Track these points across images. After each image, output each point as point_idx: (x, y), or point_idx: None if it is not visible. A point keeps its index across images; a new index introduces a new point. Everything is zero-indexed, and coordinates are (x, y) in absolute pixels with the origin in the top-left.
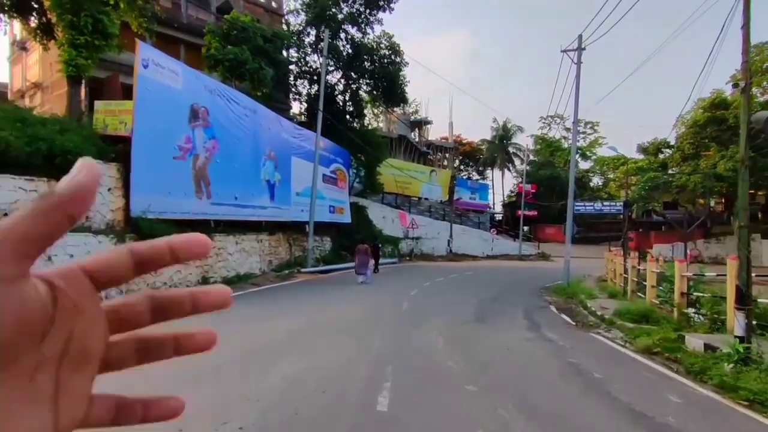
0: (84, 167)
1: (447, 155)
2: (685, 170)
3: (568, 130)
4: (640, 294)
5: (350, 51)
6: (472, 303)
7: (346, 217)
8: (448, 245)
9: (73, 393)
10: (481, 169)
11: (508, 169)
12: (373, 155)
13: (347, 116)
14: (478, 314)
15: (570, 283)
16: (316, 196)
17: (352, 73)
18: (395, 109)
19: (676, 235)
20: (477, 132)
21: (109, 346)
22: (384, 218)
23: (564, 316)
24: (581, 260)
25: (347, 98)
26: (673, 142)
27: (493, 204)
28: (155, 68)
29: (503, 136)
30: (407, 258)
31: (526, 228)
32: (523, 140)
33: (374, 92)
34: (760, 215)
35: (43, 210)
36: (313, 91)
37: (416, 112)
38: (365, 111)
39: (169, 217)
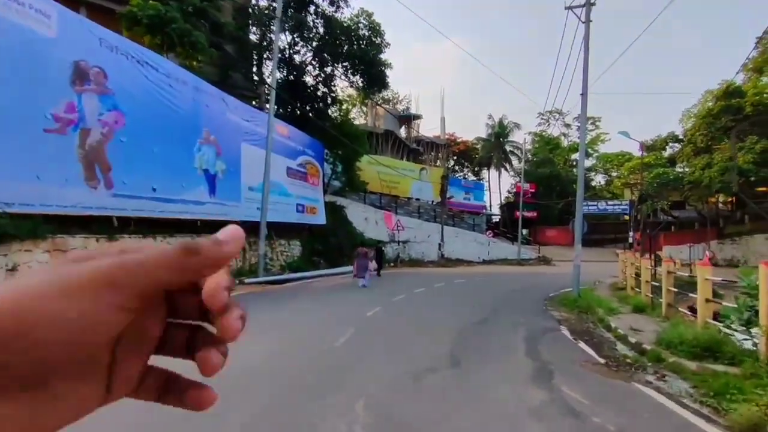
0: (234, 236)
1: (439, 153)
2: (698, 164)
3: (567, 126)
4: (683, 311)
5: (322, 30)
6: (453, 327)
7: (320, 218)
8: (439, 249)
9: (127, 369)
10: (476, 169)
11: (505, 169)
12: (351, 149)
13: (320, 104)
14: (455, 350)
15: (580, 293)
16: (269, 190)
17: (326, 55)
18: (380, 99)
19: (687, 236)
20: (473, 133)
21: (165, 328)
22: (366, 220)
23: (584, 347)
24: (587, 264)
25: (320, 83)
26: (680, 137)
27: (490, 205)
28: (10, 4)
29: (499, 133)
30: (392, 264)
31: (525, 231)
32: (521, 138)
33: (352, 76)
34: None
35: (184, 266)
36: (282, 77)
37: (407, 109)
38: (344, 100)
39: (37, 210)
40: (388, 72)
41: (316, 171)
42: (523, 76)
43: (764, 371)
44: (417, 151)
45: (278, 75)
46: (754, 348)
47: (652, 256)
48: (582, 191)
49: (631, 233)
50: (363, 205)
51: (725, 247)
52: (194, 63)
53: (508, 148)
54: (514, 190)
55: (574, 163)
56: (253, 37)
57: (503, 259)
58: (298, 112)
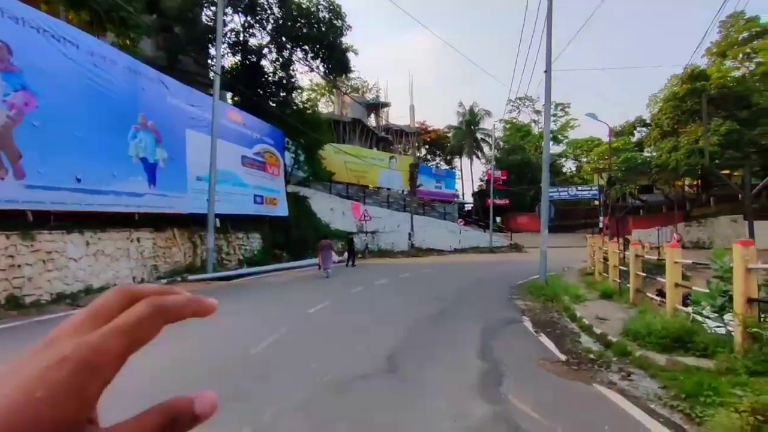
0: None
1: (409, 142)
2: (665, 148)
3: (537, 113)
4: (651, 296)
5: (277, 11)
6: (404, 323)
7: (281, 209)
8: (409, 239)
9: None
10: (449, 157)
11: (477, 157)
12: (313, 137)
13: (280, 90)
14: (398, 351)
15: (548, 280)
16: (216, 179)
17: (284, 38)
18: (348, 88)
19: (655, 220)
20: (446, 122)
21: None
22: (332, 210)
23: (545, 341)
24: (557, 250)
25: (279, 68)
26: (648, 121)
27: (463, 194)
28: None
29: (470, 121)
30: (359, 255)
31: (498, 218)
32: (491, 125)
33: (312, 60)
34: (739, 196)
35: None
36: (232, 60)
37: (377, 98)
38: (312, 89)
39: None
40: (353, 57)
41: (276, 160)
42: (495, 64)
43: (740, 364)
44: (386, 139)
45: (233, 59)
46: (729, 337)
47: (620, 240)
48: (547, 174)
49: (601, 218)
50: (329, 196)
51: (692, 229)
52: (128, 42)
53: (479, 135)
54: (486, 178)
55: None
56: (206, 20)
57: (475, 248)
58: (255, 98)
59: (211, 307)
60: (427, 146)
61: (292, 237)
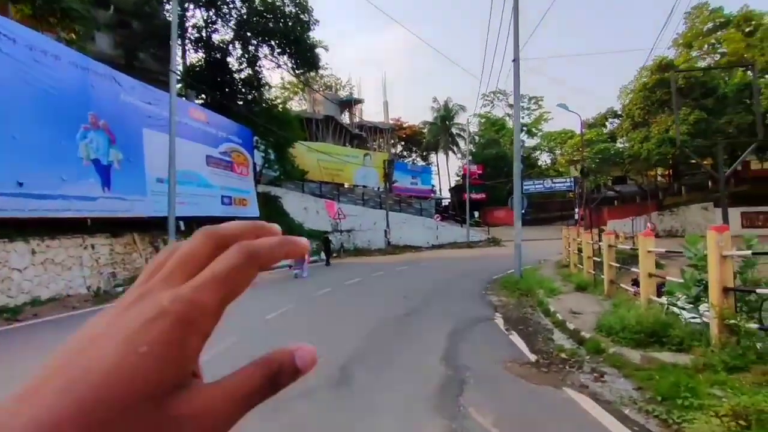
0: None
1: (383, 138)
2: (637, 138)
3: (510, 106)
4: (625, 287)
5: (242, 8)
6: (368, 325)
7: (252, 210)
8: (386, 236)
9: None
10: (425, 153)
11: (453, 152)
12: (282, 135)
13: (247, 87)
14: (356, 358)
15: (523, 274)
16: (176, 180)
17: (249, 34)
18: (322, 86)
19: (630, 210)
20: (423, 118)
21: None
22: (306, 210)
23: (516, 339)
24: (534, 243)
25: (245, 65)
26: (619, 113)
27: (440, 189)
28: None
29: (445, 116)
30: (334, 255)
31: (476, 213)
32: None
33: (279, 56)
34: (710, 183)
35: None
36: (195, 57)
37: (351, 95)
38: (285, 87)
39: None
40: (325, 54)
41: (245, 160)
42: (471, 58)
43: (717, 359)
44: (360, 136)
45: (195, 56)
46: (705, 328)
47: (593, 231)
48: (519, 165)
49: (576, 209)
50: (301, 195)
51: (665, 218)
52: (73, 36)
53: (454, 130)
54: (462, 172)
55: (522, 143)
56: (168, 15)
57: (453, 243)
58: (221, 96)
59: (305, 246)
60: (403, 143)
61: None
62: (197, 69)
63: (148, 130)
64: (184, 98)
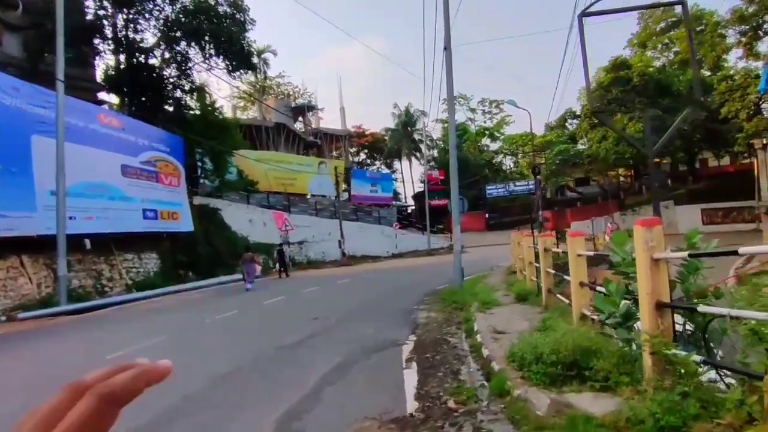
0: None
1: (343, 145)
2: (595, 138)
3: (473, 110)
4: (561, 297)
5: (170, 9)
6: (236, 361)
7: (185, 224)
8: (340, 247)
9: None
10: (388, 160)
11: (416, 158)
12: (217, 143)
13: (176, 92)
14: (177, 415)
15: (463, 284)
16: (65, 192)
17: (178, 34)
18: (281, 94)
19: (592, 211)
20: (383, 125)
21: None
22: (251, 222)
23: (409, 377)
24: (494, 249)
25: (173, 68)
26: (578, 113)
27: (405, 197)
28: None
29: (407, 122)
30: (281, 269)
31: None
32: (429, 125)
33: (213, 58)
34: (669, 182)
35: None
36: (121, 60)
37: (309, 103)
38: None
39: None
40: (273, 58)
41: (174, 170)
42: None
43: (646, 411)
44: (315, 144)
45: (116, 58)
46: (639, 355)
47: (556, 233)
48: (455, 161)
49: (540, 212)
50: (246, 206)
51: (627, 217)
52: None
53: (416, 136)
54: (424, 178)
55: (485, 148)
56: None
57: (413, 251)
58: (145, 101)
59: (165, 370)
60: (366, 150)
61: (198, 254)
62: (118, 72)
63: (40, 137)
64: (105, 105)
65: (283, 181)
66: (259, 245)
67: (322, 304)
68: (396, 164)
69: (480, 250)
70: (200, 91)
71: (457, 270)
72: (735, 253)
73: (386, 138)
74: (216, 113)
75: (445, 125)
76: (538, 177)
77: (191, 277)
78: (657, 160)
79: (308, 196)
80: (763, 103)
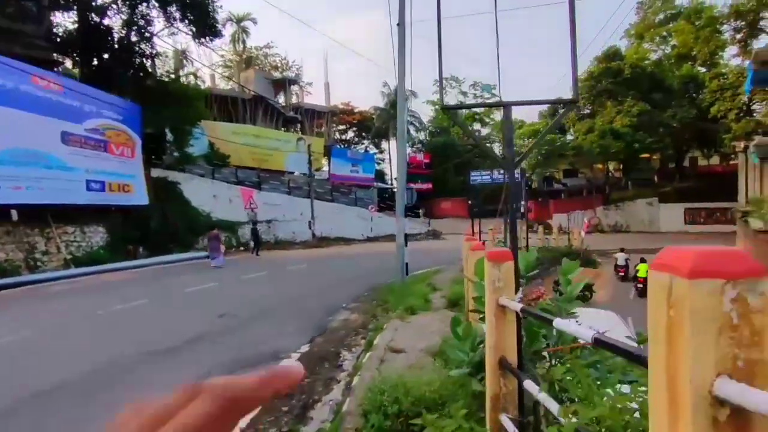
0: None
1: (324, 122)
2: (581, 129)
3: (464, 94)
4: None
5: None
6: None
7: (138, 197)
8: (310, 228)
9: None
10: (376, 140)
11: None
12: (182, 114)
13: (135, 57)
14: None
15: (407, 280)
16: None
17: None
18: (268, 65)
19: (577, 204)
20: (373, 103)
21: None
22: (215, 197)
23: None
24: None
25: (133, 31)
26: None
27: (391, 179)
28: None
29: (396, 102)
30: (241, 248)
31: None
32: (416, 107)
33: (174, 22)
34: (656, 179)
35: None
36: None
37: (298, 76)
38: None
39: None
40: (254, 28)
41: (128, 140)
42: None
43: None
44: (295, 119)
45: (68, 17)
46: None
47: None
48: (404, 147)
49: (523, 202)
50: (211, 181)
51: (610, 213)
52: None
53: (406, 117)
54: (408, 161)
55: (476, 133)
56: None
57: (389, 236)
58: (100, 65)
59: (297, 375)
60: (354, 129)
61: (153, 230)
62: (70, 32)
63: None
64: (60, 68)
65: (258, 156)
66: (222, 222)
67: (247, 295)
68: (384, 144)
69: (457, 238)
70: (159, 56)
71: (401, 264)
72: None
73: (374, 117)
74: (178, 82)
75: (436, 107)
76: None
77: (142, 254)
78: (646, 155)
79: (284, 174)
80: (754, 104)
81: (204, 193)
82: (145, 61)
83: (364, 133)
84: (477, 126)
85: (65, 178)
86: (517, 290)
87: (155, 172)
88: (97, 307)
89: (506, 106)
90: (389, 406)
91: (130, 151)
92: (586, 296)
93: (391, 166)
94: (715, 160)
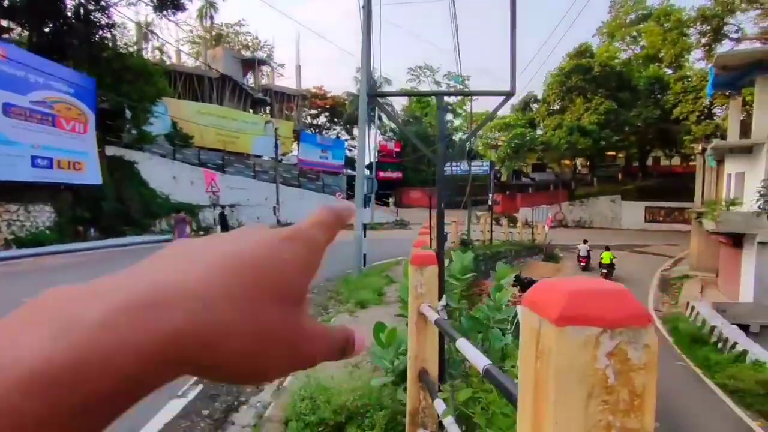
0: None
1: (294, 106)
2: (550, 125)
3: (437, 84)
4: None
5: None
6: None
7: (90, 176)
8: (275, 214)
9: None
10: (348, 126)
11: (376, 126)
12: (140, 88)
13: (91, 28)
14: None
15: (364, 271)
16: None
17: None
18: (239, 44)
19: (543, 198)
20: (347, 89)
21: None
22: (175, 179)
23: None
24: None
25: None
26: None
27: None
28: None
29: (371, 89)
30: (201, 233)
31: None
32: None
33: None
34: (620, 176)
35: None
36: None
37: (270, 57)
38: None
39: None
40: (221, 2)
41: (79, 114)
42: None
43: None
44: (264, 101)
45: None
46: None
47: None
48: (365, 134)
49: (490, 195)
50: (171, 162)
51: (575, 208)
52: None
53: (366, 105)
54: (379, 149)
55: (449, 123)
56: None
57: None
58: (48, 33)
59: (350, 210)
60: (326, 114)
61: (101, 210)
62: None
63: None
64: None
65: (224, 137)
66: (182, 205)
67: None
68: (356, 131)
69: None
70: (114, 27)
71: (358, 256)
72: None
73: (347, 103)
74: (138, 56)
75: (411, 97)
76: (492, 163)
77: (93, 236)
78: (612, 153)
79: (250, 157)
80: (714, 107)
81: (164, 174)
82: (102, 32)
83: (336, 119)
84: (449, 117)
85: (6, 153)
86: (440, 297)
87: (111, 150)
88: (29, 293)
89: (438, 96)
90: (309, 415)
91: (82, 127)
92: None
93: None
94: (676, 160)
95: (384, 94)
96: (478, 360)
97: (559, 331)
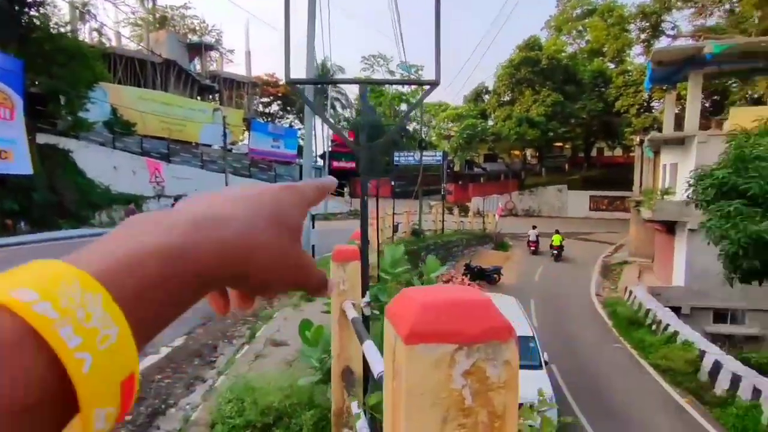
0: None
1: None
2: (500, 116)
3: (391, 73)
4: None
5: None
6: None
7: (19, 166)
8: None
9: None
10: (300, 115)
11: (329, 115)
12: (74, 72)
13: (17, 5)
14: None
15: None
16: None
17: None
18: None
19: (494, 188)
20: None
21: None
22: (116, 169)
23: None
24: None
25: None
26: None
27: (315, 156)
28: None
29: (322, 77)
30: None
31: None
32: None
33: None
34: (567, 167)
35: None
36: None
37: (218, 42)
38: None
39: None
40: None
41: (5, 99)
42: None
43: None
44: (212, 88)
45: None
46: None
47: (443, 208)
48: (311, 126)
49: (443, 185)
50: (111, 151)
51: (524, 198)
52: None
53: (332, 93)
54: (332, 138)
55: (402, 113)
56: None
57: (310, 215)
58: None
59: (332, 182)
60: (279, 102)
61: (37, 202)
62: None
63: None
64: None
65: (169, 125)
66: (123, 196)
67: None
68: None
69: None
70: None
71: (306, 247)
72: None
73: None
74: (72, 37)
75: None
76: (448, 153)
77: (23, 229)
78: (560, 144)
79: (198, 146)
80: (653, 101)
81: (103, 164)
82: (30, 10)
83: (289, 107)
84: (404, 106)
85: None
86: (363, 294)
87: (43, 138)
88: None
89: (361, 85)
90: (235, 418)
91: (8, 113)
92: (494, 279)
93: (315, 142)
94: (618, 151)
95: (303, 82)
96: (376, 366)
97: (409, 350)
